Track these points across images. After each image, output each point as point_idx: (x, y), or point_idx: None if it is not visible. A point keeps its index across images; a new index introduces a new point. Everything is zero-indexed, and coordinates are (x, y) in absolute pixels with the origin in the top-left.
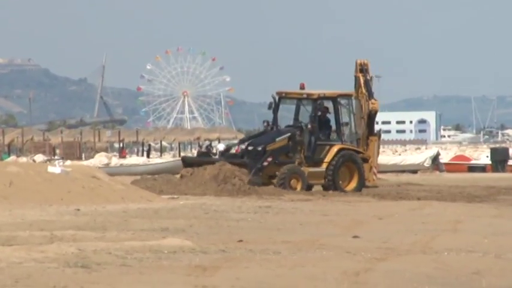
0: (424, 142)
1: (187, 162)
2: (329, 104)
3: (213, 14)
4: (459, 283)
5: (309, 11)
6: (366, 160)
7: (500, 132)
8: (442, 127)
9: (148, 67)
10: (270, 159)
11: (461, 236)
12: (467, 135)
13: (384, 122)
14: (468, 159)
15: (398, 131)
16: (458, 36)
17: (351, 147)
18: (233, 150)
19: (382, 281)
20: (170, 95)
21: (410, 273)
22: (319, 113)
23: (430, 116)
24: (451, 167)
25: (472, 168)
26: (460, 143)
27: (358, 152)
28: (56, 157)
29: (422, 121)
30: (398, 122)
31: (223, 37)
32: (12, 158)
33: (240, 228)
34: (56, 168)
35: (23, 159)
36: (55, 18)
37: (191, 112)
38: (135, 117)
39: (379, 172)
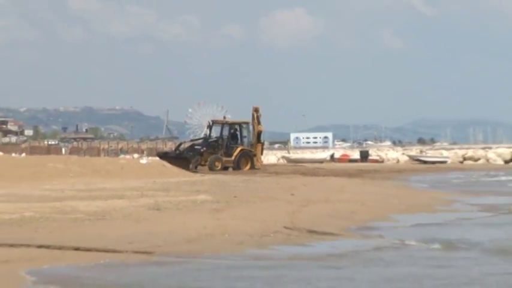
0: (326, 147)
1: (159, 155)
2: (238, 126)
3: (225, 79)
4: (343, 217)
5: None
6: (254, 155)
7: (364, 142)
8: (335, 140)
9: (189, 110)
10: (204, 149)
11: (345, 194)
12: (348, 144)
13: (307, 137)
14: (348, 155)
15: (314, 142)
16: (347, 85)
17: (247, 148)
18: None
19: (306, 216)
20: (200, 124)
21: (319, 212)
22: (232, 131)
23: (330, 135)
24: (340, 160)
25: (351, 160)
26: (344, 148)
27: (251, 151)
28: (144, 155)
29: (325, 137)
30: (314, 137)
31: (231, 93)
32: (123, 156)
33: (236, 190)
34: (144, 160)
35: (128, 156)
36: (144, 81)
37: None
38: (183, 136)
39: (302, 162)
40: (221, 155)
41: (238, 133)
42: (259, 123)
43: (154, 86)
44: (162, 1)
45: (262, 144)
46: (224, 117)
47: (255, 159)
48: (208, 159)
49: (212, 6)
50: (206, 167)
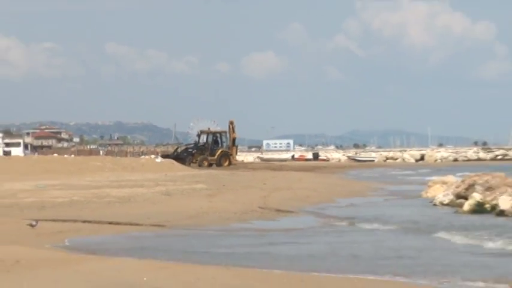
0: (289, 150)
1: (163, 156)
2: (218, 134)
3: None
4: (301, 200)
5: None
6: (231, 155)
7: (315, 146)
8: (295, 145)
9: (191, 124)
10: (195, 151)
11: (302, 183)
12: (304, 147)
13: (275, 143)
14: (304, 156)
15: (279, 146)
16: (304, 105)
17: (225, 150)
18: (181, 148)
19: (274, 199)
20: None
21: (284, 196)
22: (214, 138)
23: (291, 141)
24: (298, 159)
25: (306, 159)
26: (301, 150)
27: (228, 152)
28: (158, 156)
29: (288, 143)
30: (280, 143)
31: (221, 111)
32: (143, 156)
33: (224, 180)
34: (158, 159)
35: (147, 157)
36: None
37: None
38: (186, 142)
39: (271, 161)
40: (207, 155)
41: (219, 139)
42: (233, 131)
43: (166, 107)
44: (171, 46)
45: (236, 147)
46: (209, 128)
47: (231, 158)
48: (198, 158)
49: (207, 49)
50: (196, 164)
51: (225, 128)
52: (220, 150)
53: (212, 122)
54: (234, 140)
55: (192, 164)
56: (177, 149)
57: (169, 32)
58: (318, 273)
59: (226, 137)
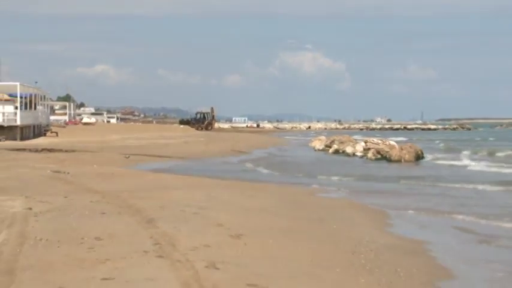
0: (245, 122)
1: (180, 122)
2: (205, 113)
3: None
4: (249, 146)
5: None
6: (212, 124)
7: (258, 121)
8: (248, 120)
9: (198, 108)
10: (193, 121)
11: (252, 139)
12: (252, 121)
13: (239, 119)
14: (253, 125)
15: (240, 120)
16: (251, 102)
17: (209, 121)
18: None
19: (238, 146)
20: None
21: (243, 144)
22: (203, 115)
23: (246, 118)
24: (250, 127)
25: (254, 127)
26: (251, 122)
27: (211, 123)
28: (181, 125)
29: (245, 119)
30: (240, 119)
31: (212, 103)
32: (174, 124)
33: (213, 137)
34: (181, 126)
35: (175, 125)
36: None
37: None
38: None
39: (237, 127)
40: (200, 124)
41: (206, 116)
42: (213, 112)
43: (186, 100)
44: (188, 70)
45: (215, 120)
46: (201, 110)
47: (212, 126)
48: (196, 125)
49: (206, 72)
50: (195, 128)
51: (209, 111)
52: (206, 122)
53: (208, 107)
54: (213, 116)
55: (192, 128)
56: (187, 119)
57: (187, 63)
58: (263, 183)
59: (209, 115)
